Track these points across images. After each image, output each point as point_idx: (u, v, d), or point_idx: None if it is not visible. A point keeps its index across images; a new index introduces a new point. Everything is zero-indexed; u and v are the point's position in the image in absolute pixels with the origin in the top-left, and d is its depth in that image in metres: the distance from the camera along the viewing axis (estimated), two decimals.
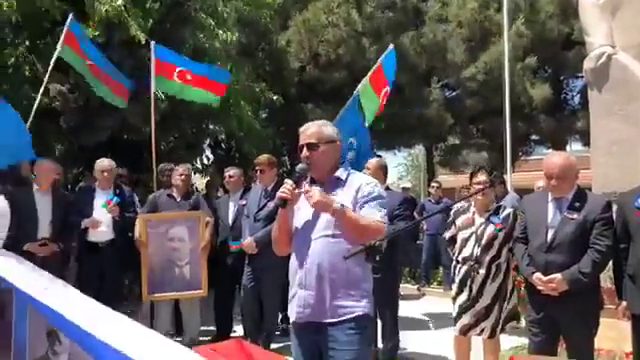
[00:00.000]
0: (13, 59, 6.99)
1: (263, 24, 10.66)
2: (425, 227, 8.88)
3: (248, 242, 4.87)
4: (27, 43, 7.26)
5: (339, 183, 2.42)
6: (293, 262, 2.44)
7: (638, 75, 4.69)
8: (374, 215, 2.31)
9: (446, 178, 17.85)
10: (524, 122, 13.48)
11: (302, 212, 2.40)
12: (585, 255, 3.08)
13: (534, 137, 15.38)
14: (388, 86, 6.11)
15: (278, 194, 2.35)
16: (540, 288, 3.16)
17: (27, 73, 7.17)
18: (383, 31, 12.27)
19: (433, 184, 9.77)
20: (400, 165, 37.94)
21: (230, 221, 5.48)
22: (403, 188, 9.37)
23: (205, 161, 10.86)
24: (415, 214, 7.47)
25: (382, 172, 4.51)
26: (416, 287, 8.63)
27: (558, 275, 3.08)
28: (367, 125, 6.04)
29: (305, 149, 2.39)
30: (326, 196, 2.28)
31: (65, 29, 5.80)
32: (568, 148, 15.57)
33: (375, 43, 11.86)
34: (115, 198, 5.05)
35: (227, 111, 8.65)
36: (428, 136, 14.97)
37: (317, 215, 2.35)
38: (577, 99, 15.08)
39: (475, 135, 15.30)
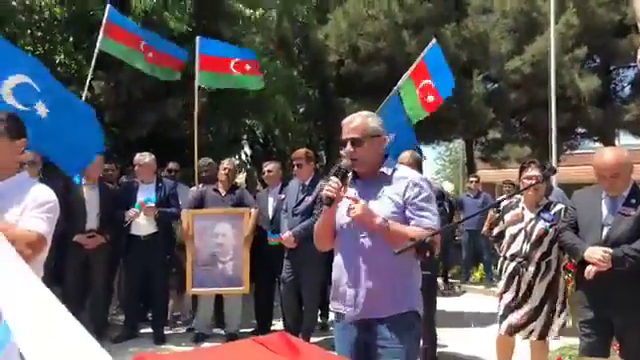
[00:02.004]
0: (62, 56, 7.23)
1: (301, 19, 10.64)
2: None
3: (287, 236, 4.88)
4: (72, 41, 7.50)
5: (385, 179, 2.32)
6: (339, 260, 2.38)
7: None
8: (422, 222, 2.24)
9: (485, 172, 17.38)
10: (570, 114, 12.95)
11: (346, 209, 2.33)
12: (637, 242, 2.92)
13: (580, 130, 14.77)
14: (431, 79, 5.92)
15: (323, 193, 2.27)
16: (595, 258, 3.00)
17: (74, 71, 7.41)
18: (424, 23, 11.99)
19: (472, 178, 9.57)
20: (438, 159, 37.35)
21: (270, 215, 5.50)
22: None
23: (243, 156, 10.97)
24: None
25: (416, 166, 4.33)
26: (447, 285, 8.34)
27: (609, 250, 2.93)
28: (411, 123, 5.93)
29: (349, 144, 2.29)
30: (368, 211, 2.19)
31: (104, 21, 5.85)
32: (617, 142, 14.86)
33: (415, 35, 11.62)
34: (150, 199, 5.12)
35: (264, 105, 8.70)
36: (468, 130, 14.60)
37: None
38: (627, 90, 14.39)
39: (518, 129, 14.83)
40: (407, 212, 2.26)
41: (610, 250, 2.96)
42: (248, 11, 8.21)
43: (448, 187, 8.68)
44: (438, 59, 5.96)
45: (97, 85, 7.30)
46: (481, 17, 13.83)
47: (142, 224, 5.15)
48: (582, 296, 3.22)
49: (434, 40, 6.13)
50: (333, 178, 2.25)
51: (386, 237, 2.19)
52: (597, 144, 15.64)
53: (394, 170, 2.35)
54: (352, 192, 2.34)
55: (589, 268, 3.03)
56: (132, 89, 7.35)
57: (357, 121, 2.32)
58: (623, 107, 13.59)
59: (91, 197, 4.99)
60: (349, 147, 2.29)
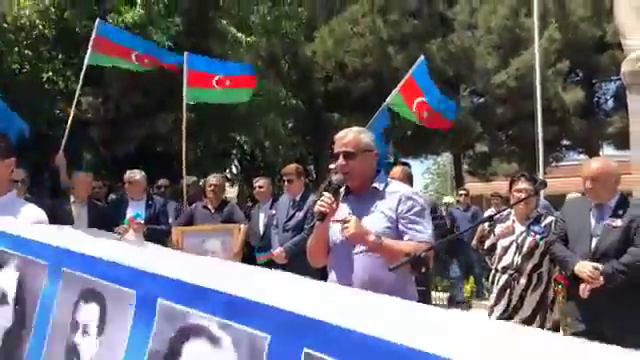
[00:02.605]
0: (50, 73, 7.19)
1: (289, 35, 10.75)
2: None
3: (278, 252, 4.84)
4: (61, 57, 7.48)
5: (377, 194, 2.32)
6: (333, 276, 2.35)
7: None
8: (416, 236, 2.22)
9: (473, 185, 17.53)
10: (555, 127, 13.19)
11: (339, 225, 2.33)
12: (624, 256, 2.96)
13: (565, 142, 15.03)
14: (423, 96, 6.02)
15: (316, 208, 2.26)
16: (585, 274, 3.03)
17: (62, 87, 7.37)
18: (409, 39, 12.19)
19: (461, 192, 9.60)
20: (426, 173, 37.57)
21: (261, 231, 5.47)
22: (445, 204, 8.80)
23: (234, 171, 10.95)
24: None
25: (407, 181, 4.37)
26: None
27: (599, 266, 2.96)
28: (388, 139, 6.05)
29: (341, 158, 2.28)
30: (362, 228, 2.16)
31: (93, 35, 5.72)
32: (601, 153, 15.11)
33: (401, 51, 11.81)
34: (140, 215, 5.05)
35: (254, 120, 8.72)
36: (456, 144, 14.78)
37: None
38: (610, 103, 14.71)
39: (504, 142, 15.03)
40: (400, 226, 2.25)
41: (600, 266, 2.99)
42: (239, 35, 8.27)
43: (449, 200, 8.68)
44: (426, 75, 6.08)
45: (85, 101, 7.26)
46: (466, 33, 14.10)
47: (131, 241, 5.07)
48: (573, 308, 3.24)
49: (422, 57, 6.23)
50: (326, 193, 2.24)
51: (380, 253, 2.17)
52: (582, 156, 15.90)
53: (386, 185, 2.35)
54: (344, 207, 2.34)
55: (583, 286, 3.06)
56: (121, 104, 7.32)
57: (350, 136, 2.33)
58: (606, 120, 13.87)
59: (80, 215, 4.91)
60: (341, 161, 2.29)
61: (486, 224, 4.03)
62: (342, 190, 2.33)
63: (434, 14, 13.90)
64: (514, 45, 13.47)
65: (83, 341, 1.50)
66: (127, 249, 1.60)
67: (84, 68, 5.72)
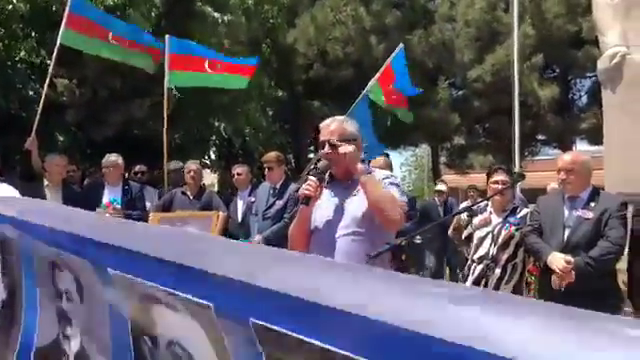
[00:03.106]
0: (23, 53, 6.97)
1: (270, 20, 10.64)
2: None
3: (257, 241, 4.84)
4: (35, 36, 7.24)
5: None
6: None
7: None
8: (391, 190, 2.34)
9: (450, 177, 17.79)
10: (531, 122, 13.45)
11: (322, 210, 2.36)
12: (594, 247, 3.06)
13: (540, 137, 15.33)
14: (393, 83, 6.13)
15: (301, 191, 2.30)
16: (557, 268, 3.10)
17: (36, 67, 7.15)
18: (391, 29, 12.22)
19: (438, 184, 9.71)
20: (403, 165, 37.90)
21: (239, 219, 5.45)
22: (437, 191, 8.36)
23: (213, 157, 10.85)
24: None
25: (389, 170, 4.45)
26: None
27: (571, 259, 3.04)
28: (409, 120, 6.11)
29: (327, 146, 2.34)
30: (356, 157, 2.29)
31: (66, 12, 5.37)
32: (574, 149, 15.47)
33: (383, 41, 11.82)
34: (116, 200, 4.97)
35: (235, 108, 8.64)
36: (434, 136, 14.94)
37: (339, 213, 2.31)
38: (585, 99, 15.05)
39: (481, 135, 15.26)
40: None
41: (571, 259, 3.06)
42: (216, 14, 8.14)
43: (441, 188, 8.64)
44: (401, 62, 6.16)
45: (60, 83, 7.07)
46: (447, 25, 14.19)
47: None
48: (546, 299, 3.33)
49: (401, 45, 6.30)
50: (311, 177, 2.27)
51: (365, 186, 2.25)
52: (556, 151, 16.25)
53: (369, 173, 2.39)
54: (328, 193, 2.38)
55: (554, 278, 3.14)
56: (97, 87, 7.15)
57: (335, 124, 2.38)
58: (580, 115, 14.19)
59: (54, 199, 4.80)
60: (327, 149, 2.33)
61: (464, 215, 4.10)
62: (327, 176, 2.37)
63: (416, 6, 13.95)
64: (491, 39, 13.64)
65: (69, 307, 1.51)
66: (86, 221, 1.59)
67: (56, 46, 5.41)
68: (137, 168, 6.28)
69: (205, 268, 1.07)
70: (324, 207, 2.36)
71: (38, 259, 1.63)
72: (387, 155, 6.49)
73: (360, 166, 2.29)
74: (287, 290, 0.91)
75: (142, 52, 5.95)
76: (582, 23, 13.10)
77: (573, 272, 3.06)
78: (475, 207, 3.82)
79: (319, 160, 2.43)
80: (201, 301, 1.07)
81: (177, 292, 1.12)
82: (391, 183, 2.37)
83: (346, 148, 2.27)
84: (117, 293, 1.29)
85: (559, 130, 14.02)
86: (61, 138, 7.32)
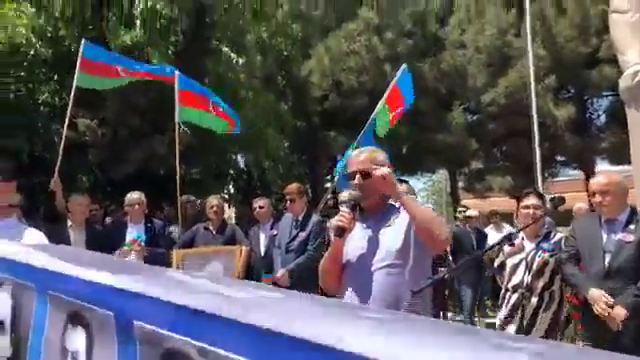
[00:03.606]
0: (45, 95, 7.13)
1: (285, 53, 10.80)
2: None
3: (281, 274, 4.75)
4: (57, 79, 7.43)
5: (393, 211, 2.30)
6: (349, 297, 2.30)
7: None
8: (429, 208, 2.32)
9: (469, 202, 17.59)
10: (549, 143, 13.29)
11: (355, 242, 2.28)
12: None
13: (559, 158, 15.13)
14: (403, 106, 6.11)
15: (334, 222, 2.24)
16: (598, 311, 2.96)
17: (58, 108, 7.31)
18: (403, 57, 12.33)
19: (460, 209, 9.54)
20: (421, 191, 37.65)
21: (262, 252, 5.39)
22: (467, 217, 7.63)
23: (232, 191, 10.87)
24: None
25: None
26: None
27: (619, 306, 2.89)
28: (376, 134, 6.04)
29: (358, 177, 2.28)
30: (394, 181, 2.22)
31: (79, 57, 5.66)
32: (596, 168, 15.21)
33: (396, 69, 11.88)
34: (141, 237, 4.95)
35: (254, 139, 8.69)
36: (451, 161, 14.84)
37: (374, 245, 2.23)
38: (603, 118, 14.88)
39: (499, 158, 15.12)
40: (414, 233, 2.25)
41: (610, 300, 2.91)
42: (233, 55, 8.31)
43: (472, 213, 7.93)
44: (408, 84, 6.14)
45: (81, 123, 7.20)
46: (458, 52, 14.28)
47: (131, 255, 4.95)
48: (589, 328, 3.17)
49: (404, 65, 6.31)
50: (344, 208, 2.21)
51: (408, 207, 2.17)
52: (576, 171, 15.99)
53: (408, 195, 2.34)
54: (360, 225, 2.31)
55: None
56: (118, 126, 7.26)
57: (365, 154, 2.34)
58: (600, 135, 14.01)
59: (77, 240, 4.79)
60: (358, 179, 2.28)
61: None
62: (358, 207, 2.31)
63: (427, 34, 14.08)
64: (503, 63, 13.68)
65: None
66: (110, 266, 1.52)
67: (73, 89, 5.66)
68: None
69: (251, 321, 0.98)
70: (357, 240, 2.28)
71: (52, 313, 1.53)
72: (406, 182, 6.42)
73: (398, 187, 2.22)
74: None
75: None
76: (595, 43, 13.09)
77: (622, 311, 2.89)
78: (506, 233, 3.70)
79: (334, 192, 2.39)
80: (239, 357, 0.97)
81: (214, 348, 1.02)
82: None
83: (383, 170, 2.20)
84: (137, 352, 1.20)
85: (578, 150, 13.82)
86: (84, 178, 7.41)
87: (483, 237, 7.19)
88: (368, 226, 2.30)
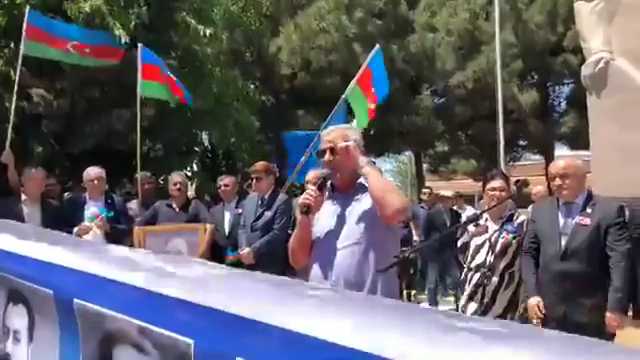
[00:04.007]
0: (1, 64, 6.76)
1: (253, 29, 10.56)
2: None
3: (245, 253, 4.71)
4: (12, 48, 7.03)
5: (363, 189, 2.28)
6: (316, 274, 2.29)
7: (635, 80, 4.68)
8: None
9: (433, 184, 17.90)
10: (512, 127, 13.62)
11: (323, 220, 2.27)
12: (610, 271, 3.00)
13: (521, 142, 15.54)
14: (373, 87, 6.07)
15: (300, 200, 2.22)
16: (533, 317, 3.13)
17: (13, 79, 6.94)
18: (374, 38, 12.27)
19: (425, 190, 9.68)
20: (387, 172, 38.06)
21: (226, 231, 5.32)
22: (442, 197, 7.79)
23: (195, 168, 10.66)
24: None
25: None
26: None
27: (607, 313, 3.00)
28: (360, 127, 5.98)
29: (328, 153, 2.26)
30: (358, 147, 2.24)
31: (25, 25, 5.40)
32: (554, 152, 15.72)
33: (367, 49, 11.83)
34: (105, 212, 4.81)
35: (221, 115, 8.51)
36: (417, 143, 15.01)
37: (341, 223, 2.23)
38: (564, 105, 15.33)
39: (464, 141, 15.39)
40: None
41: (608, 314, 2.98)
42: (199, 27, 8.05)
43: (448, 193, 8.01)
44: (380, 65, 6.11)
45: (36, 94, 6.86)
46: (427, 34, 14.32)
47: (90, 233, 4.80)
48: (546, 301, 3.27)
49: (377, 46, 6.26)
50: (310, 186, 2.20)
51: (369, 177, 2.19)
52: (537, 156, 16.48)
53: (374, 166, 2.33)
54: (329, 203, 2.30)
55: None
56: (76, 99, 6.95)
57: (335, 132, 2.32)
58: (560, 121, 14.43)
59: (32, 216, 4.60)
60: (327, 156, 2.25)
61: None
62: (328, 186, 2.29)
63: (398, 15, 14.05)
64: (472, 47, 13.82)
65: (14, 350, 1.34)
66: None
67: (20, 58, 5.42)
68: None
69: (187, 298, 0.94)
70: (325, 217, 2.27)
71: None
72: (374, 162, 6.44)
73: (362, 157, 2.23)
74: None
75: (103, 57, 6.09)
76: (560, 32, 13.37)
77: (611, 325, 3.02)
78: (470, 213, 3.77)
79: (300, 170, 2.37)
80: (180, 337, 0.93)
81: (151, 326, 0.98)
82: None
83: (347, 142, 2.21)
84: (76, 331, 1.13)
85: (539, 135, 14.22)
86: (38, 149, 7.07)
87: (457, 217, 7.32)
88: (337, 204, 2.29)
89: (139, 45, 6.05)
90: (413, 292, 7.63)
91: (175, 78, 6.40)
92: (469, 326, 0.69)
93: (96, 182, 4.89)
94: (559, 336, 0.67)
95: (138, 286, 0.98)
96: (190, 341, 0.92)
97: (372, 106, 6.10)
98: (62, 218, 4.83)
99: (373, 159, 14.07)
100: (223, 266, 1.19)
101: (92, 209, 4.80)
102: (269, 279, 1.03)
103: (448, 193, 7.80)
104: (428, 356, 0.64)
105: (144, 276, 1.03)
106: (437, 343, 0.65)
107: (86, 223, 4.71)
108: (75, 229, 4.70)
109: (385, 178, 2.23)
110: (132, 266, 1.10)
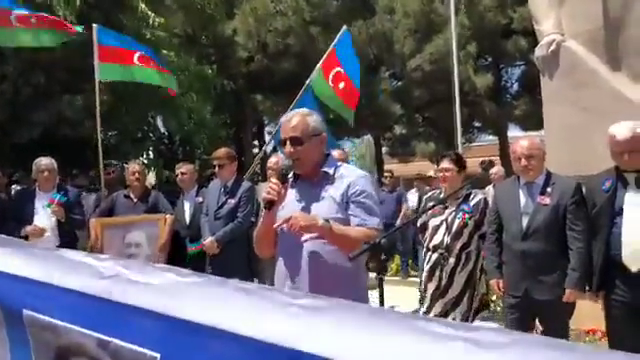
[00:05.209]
0: None
1: (207, 11, 10.25)
2: None
3: (209, 242, 4.60)
4: None
5: (327, 178, 2.23)
6: (281, 266, 2.25)
7: (587, 62, 4.81)
8: (366, 222, 2.15)
9: (392, 167, 18.12)
10: (468, 109, 13.88)
11: (288, 210, 2.20)
12: (570, 252, 3.10)
13: (476, 124, 15.90)
14: (341, 67, 5.99)
15: (263, 195, 2.15)
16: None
17: None
18: (332, 20, 12.16)
19: (386, 174, 9.79)
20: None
21: (187, 221, 5.18)
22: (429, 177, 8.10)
23: (152, 156, 10.36)
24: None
25: (345, 163, 4.37)
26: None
27: (567, 291, 3.08)
28: (351, 120, 5.97)
29: (289, 144, 2.17)
30: (308, 218, 2.06)
31: None
32: (508, 134, 16.19)
33: (325, 32, 11.73)
34: (58, 196, 4.58)
35: (176, 102, 8.25)
36: (376, 126, 15.09)
37: (307, 212, 2.17)
38: (516, 86, 15.74)
39: (422, 124, 15.60)
40: (349, 210, 2.18)
41: (568, 291, 3.06)
42: (150, 13, 7.73)
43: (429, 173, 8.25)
44: (347, 47, 6.03)
45: None
46: (387, 17, 14.32)
47: (44, 239, 4.55)
48: (508, 280, 3.36)
49: (345, 27, 6.15)
50: (273, 179, 2.13)
51: (331, 240, 2.09)
52: (491, 137, 16.93)
53: (336, 168, 2.27)
54: (293, 193, 2.25)
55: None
56: (20, 85, 6.56)
57: (296, 119, 2.21)
58: (513, 102, 14.83)
59: None
60: (289, 147, 2.17)
61: (413, 204, 4.08)
62: (290, 176, 2.23)
63: None
64: (429, 30, 13.93)
65: None
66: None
67: None
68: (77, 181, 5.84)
69: (153, 307, 0.86)
70: (290, 206, 2.21)
71: None
72: (342, 149, 6.44)
73: (320, 224, 2.03)
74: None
75: (53, 27, 5.71)
76: (511, 14, 13.67)
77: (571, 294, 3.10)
78: (429, 194, 3.81)
79: (262, 159, 2.30)
80: (145, 351, 0.87)
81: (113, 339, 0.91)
82: (365, 199, 2.18)
83: (295, 221, 2.01)
84: (27, 343, 1.03)
85: (494, 117, 14.58)
86: None
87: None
88: (302, 192, 2.24)
89: (94, 25, 5.72)
90: (385, 278, 7.83)
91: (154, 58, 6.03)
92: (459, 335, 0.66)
93: (46, 174, 4.64)
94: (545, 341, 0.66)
95: (97, 295, 0.89)
96: (156, 355, 0.85)
97: (341, 85, 6.00)
98: (10, 213, 4.57)
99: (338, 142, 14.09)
100: (192, 272, 1.11)
101: (37, 203, 4.55)
102: (242, 287, 0.97)
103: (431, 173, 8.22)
104: None
105: (103, 284, 0.95)
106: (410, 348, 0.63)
107: (41, 214, 4.47)
108: (27, 228, 4.45)
109: (340, 229, 2.11)
110: (89, 273, 1.01)
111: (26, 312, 1.01)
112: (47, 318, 0.97)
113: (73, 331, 0.93)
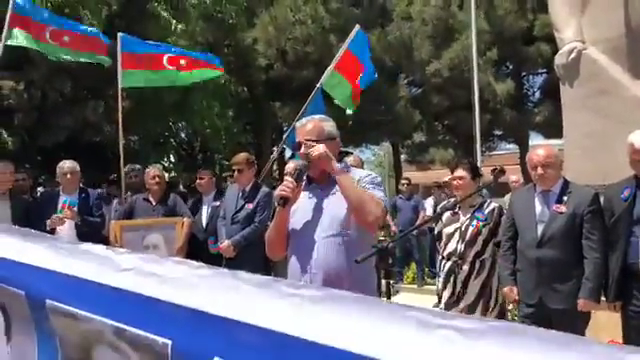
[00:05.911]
0: None
1: (228, 20, 10.43)
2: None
3: (225, 246, 4.67)
4: None
5: None
6: (294, 266, 2.28)
7: (608, 69, 4.76)
8: (375, 193, 2.24)
9: (411, 174, 18.05)
10: (488, 116, 13.76)
11: (301, 212, 2.26)
12: (585, 261, 3.07)
13: (497, 132, 15.73)
14: (364, 71, 5.96)
15: (278, 192, 2.20)
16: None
17: None
18: (350, 28, 12.22)
19: (403, 181, 9.76)
20: (366, 163, 38.15)
21: (204, 224, 5.27)
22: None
23: (172, 159, 10.55)
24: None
25: (360, 169, 4.39)
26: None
27: (580, 301, 3.06)
28: (350, 111, 5.95)
29: (304, 147, 2.23)
30: (330, 157, 2.19)
31: (9, 13, 5.24)
32: (530, 142, 15.98)
33: (343, 40, 11.78)
34: (72, 201, 4.69)
35: (189, 107, 8.42)
36: (395, 133, 15.07)
37: (319, 214, 2.22)
38: (538, 94, 15.55)
39: (441, 132, 15.51)
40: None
41: (580, 302, 3.04)
42: (172, 20, 7.91)
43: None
44: (363, 44, 5.97)
45: (6, 85, 6.65)
46: (405, 24, 14.33)
47: (64, 238, 4.69)
48: (523, 289, 3.34)
49: (357, 27, 6.06)
50: (288, 177, 2.18)
51: (343, 185, 2.16)
52: (512, 145, 16.74)
53: (348, 171, 2.32)
54: (306, 194, 2.29)
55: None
56: (47, 90, 6.77)
57: (312, 124, 2.29)
58: (534, 110, 14.63)
59: (1, 211, 4.47)
60: (304, 149, 2.24)
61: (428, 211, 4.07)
62: (304, 177, 2.28)
63: (374, 4, 14.03)
64: (447, 36, 13.87)
65: None
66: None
67: (1, 47, 5.22)
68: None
69: (165, 297, 0.92)
70: (302, 209, 2.26)
71: None
72: (350, 153, 6.43)
73: (336, 165, 2.19)
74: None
75: (88, 50, 5.85)
76: (531, 19, 13.53)
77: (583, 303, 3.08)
78: (444, 202, 3.80)
79: (276, 161, 2.34)
80: (157, 338, 0.92)
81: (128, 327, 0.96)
82: (372, 182, 2.28)
83: (317, 148, 2.17)
84: (53, 331, 1.10)
85: (515, 125, 14.42)
86: (9, 141, 6.84)
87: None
88: (314, 195, 2.28)
89: (119, 34, 5.85)
90: (392, 282, 7.83)
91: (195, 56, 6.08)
92: (452, 324, 0.69)
93: (69, 176, 4.78)
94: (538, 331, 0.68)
95: (114, 286, 0.95)
96: (168, 341, 0.90)
97: (354, 88, 6.00)
98: (34, 214, 4.71)
99: (351, 150, 14.10)
100: (202, 264, 1.16)
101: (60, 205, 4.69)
102: (250, 278, 1.01)
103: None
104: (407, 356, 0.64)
105: (120, 275, 1.01)
106: (416, 343, 0.65)
107: (54, 216, 4.60)
108: (48, 222, 4.59)
109: (356, 186, 2.21)
110: (107, 265, 1.08)
111: (49, 302, 1.08)
112: (68, 307, 1.03)
113: (92, 319, 0.98)
